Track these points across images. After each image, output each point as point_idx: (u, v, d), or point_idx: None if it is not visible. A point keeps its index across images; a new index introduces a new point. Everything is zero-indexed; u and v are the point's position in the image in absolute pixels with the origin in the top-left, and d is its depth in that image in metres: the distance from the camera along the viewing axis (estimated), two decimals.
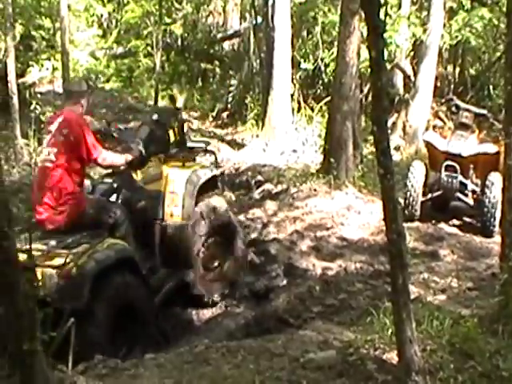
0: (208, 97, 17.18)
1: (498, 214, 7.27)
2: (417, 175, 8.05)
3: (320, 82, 15.36)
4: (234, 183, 10.87)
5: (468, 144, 8.07)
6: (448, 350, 3.97)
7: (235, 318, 6.42)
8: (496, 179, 7.62)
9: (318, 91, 15.11)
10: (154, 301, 5.77)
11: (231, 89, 15.90)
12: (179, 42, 18.46)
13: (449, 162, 7.99)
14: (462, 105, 8.67)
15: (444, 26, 13.91)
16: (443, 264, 6.88)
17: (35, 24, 14.11)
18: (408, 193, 8.01)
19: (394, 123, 13.61)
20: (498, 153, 7.73)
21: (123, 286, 5.28)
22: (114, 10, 19.30)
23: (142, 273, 5.61)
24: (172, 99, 7.62)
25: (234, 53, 18.04)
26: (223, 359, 4.09)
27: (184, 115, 15.32)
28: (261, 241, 7.92)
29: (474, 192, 8.16)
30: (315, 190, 9.02)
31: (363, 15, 3.59)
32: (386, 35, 12.65)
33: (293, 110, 13.16)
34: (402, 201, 7.89)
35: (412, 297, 4.29)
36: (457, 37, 14.62)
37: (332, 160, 9.20)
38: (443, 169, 8.00)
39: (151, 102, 14.78)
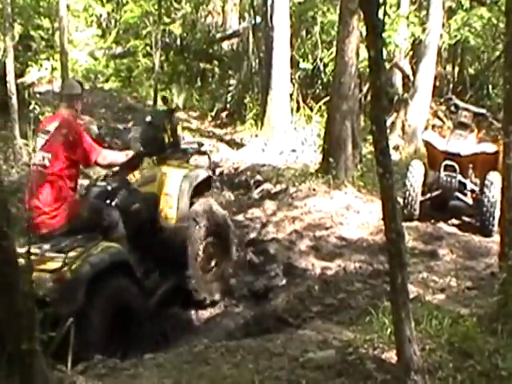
0: (207, 96, 17.19)
1: (497, 214, 7.27)
2: (416, 175, 8.05)
3: (319, 81, 15.38)
4: (233, 183, 10.88)
5: (467, 143, 8.07)
6: (447, 349, 3.97)
7: (234, 317, 6.43)
8: (495, 178, 7.62)
9: (317, 91, 15.12)
10: (148, 303, 5.75)
11: (230, 88, 15.91)
12: (178, 42, 18.47)
13: (448, 162, 7.99)
14: (461, 104, 8.67)
15: (443, 25, 13.93)
16: (442, 263, 6.88)
17: (34, 24, 14.11)
18: (407, 192, 8.01)
19: (393, 123, 13.61)
20: (497, 152, 7.72)
21: (118, 290, 5.27)
22: (112, 10, 19.32)
23: (136, 276, 5.60)
24: (165, 100, 7.59)
25: (233, 53, 18.04)
26: (222, 359, 4.09)
27: (183, 115, 15.45)
28: (260, 240, 7.93)
29: (473, 191, 8.15)
30: (314, 189, 9.01)
31: (362, 15, 3.59)
32: (384, 35, 12.70)
33: (292, 109, 13.17)
34: (401, 200, 7.89)
35: (411, 296, 4.30)
36: (456, 36, 14.63)
37: (331, 159, 9.20)
38: (442, 168, 8.00)
39: (150, 102, 14.78)
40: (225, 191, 10.34)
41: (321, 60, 14.90)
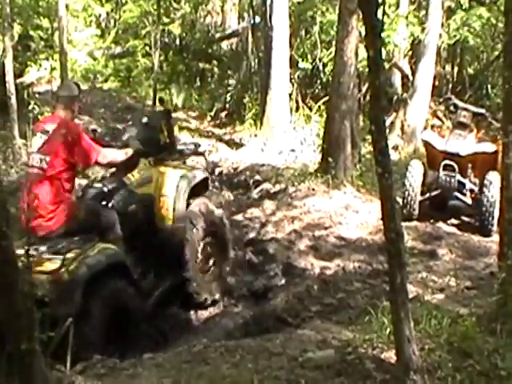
0: (206, 96, 17.18)
1: (497, 213, 7.28)
2: (415, 174, 8.05)
3: (318, 81, 15.37)
4: (233, 183, 10.88)
5: (466, 143, 8.07)
6: (446, 348, 3.97)
7: (233, 317, 6.43)
8: (494, 178, 7.63)
9: (316, 91, 15.12)
10: (145, 304, 5.74)
11: (229, 88, 15.92)
12: (177, 42, 18.48)
13: (447, 162, 7.99)
14: (460, 104, 8.67)
15: (442, 25, 13.94)
16: (441, 263, 6.88)
17: (33, 24, 14.12)
18: (406, 192, 8.01)
19: (393, 122, 13.62)
20: (496, 152, 7.73)
21: (115, 291, 5.26)
22: (112, 10, 19.33)
23: (133, 277, 5.59)
24: (161, 101, 7.58)
25: (232, 52, 18.04)
26: (222, 358, 4.09)
27: (182, 115, 15.45)
28: (259, 240, 7.93)
29: (472, 191, 8.16)
30: (313, 189, 9.01)
31: (361, 15, 3.59)
32: (384, 34, 12.70)
33: (291, 109, 13.17)
34: (400, 200, 7.90)
35: (410, 296, 4.29)
36: (455, 36, 14.63)
37: (330, 159, 9.20)
38: (441, 168, 8.00)
39: (149, 102, 14.78)
40: (224, 191, 10.34)
41: (320, 60, 14.90)
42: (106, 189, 6.01)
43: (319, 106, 13.18)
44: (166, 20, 17.02)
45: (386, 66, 13.77)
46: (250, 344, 4.32)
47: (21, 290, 3.23)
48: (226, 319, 6.38)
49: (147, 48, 16.95)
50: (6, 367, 3.25)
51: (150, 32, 15.82)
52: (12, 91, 10.81)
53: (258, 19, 14.91)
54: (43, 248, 5.18)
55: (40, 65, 14.04)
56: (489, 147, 8.05)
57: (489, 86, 16.25)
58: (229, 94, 15.79)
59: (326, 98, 11.29)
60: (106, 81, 17.33)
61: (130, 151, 5.97)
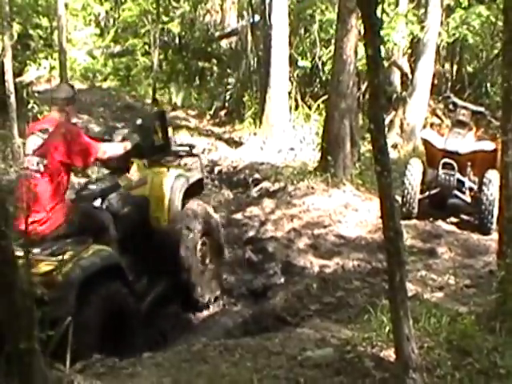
0: (206, 95, 17.17)
1: (496, 212, 7.28)
2: (414, 173, 8.05)
3: (317, 79, 15.38)
4: (232, 181, 10.88)
5: (465, 142, 8.08)
6: (445, 347, 3.97)
7: (233, 316, 6.43)
8: (493, 177, 7.63)
9: (316, 89, 15.12)
10: (140, 306, 5.72)
11: (229, 87, 15.90)
12: (177, 41, 18.48)
13: (446, 160, 7.99)
14: (460, 102, 8.67)
15: (441, 23, 13.94)
16: (441, 261, 6.89)
17: (33, 23, 14.13)
18: (405, 190, 8.01)
19: (392, 121, 13.63)
20: (495, 150, 7.73)
21: (109, 293, 5.22)
22: (111, 9, 19.33)
23: (128, 279, 5.54)
24: (156, 102, 7.56)
25: (231, 51, 18.02)
26: (221, 357, 4.09)
27: (182, 114, 15.45)
28: (258, 239, 7.93)
29: (471, 189, 8.16)
30: (313, 187, 9.01)
31: (360, 13, 3.59)
32: (383, 33, 12.71)
33: (290, 108, 13.16)
34: (399, 198, 7.90)
35: (409, 294, 4.30)
36: (454, 34, 14.61)
37: (329, 158, 9.20)
38: (441, 166, 8.01)
39: (149, 101, 14.77)
40: (223, 189, 10.34)
41: (319, 58, 14.90)
42: (100, 190, 5.99)
43: (318, 105, 13.17)
44: (165, 19, 17.01)
45: (386, 64, 13.78)
46: (250, 343, 4.33)
47: (20, 290, 3.23)
48: (226, 318, 6.37)
49: (146, 47, 16.97)
50: (5, 366, 3.26)
51: (150, 31, 15.84)
52: (11, 90, 10.79)
53: (257, 18, 14.91)
54: (37, 250, 5.13)
55: (39, 64, 14.04)
56: (488, 145, 8.05)
57: (488, 85, 16.25)
58: (228, 93, 15.78)
59: (326, 97, 11.28)
60: (105, 80, 17.31)
61: (128, 145, 5.96)
